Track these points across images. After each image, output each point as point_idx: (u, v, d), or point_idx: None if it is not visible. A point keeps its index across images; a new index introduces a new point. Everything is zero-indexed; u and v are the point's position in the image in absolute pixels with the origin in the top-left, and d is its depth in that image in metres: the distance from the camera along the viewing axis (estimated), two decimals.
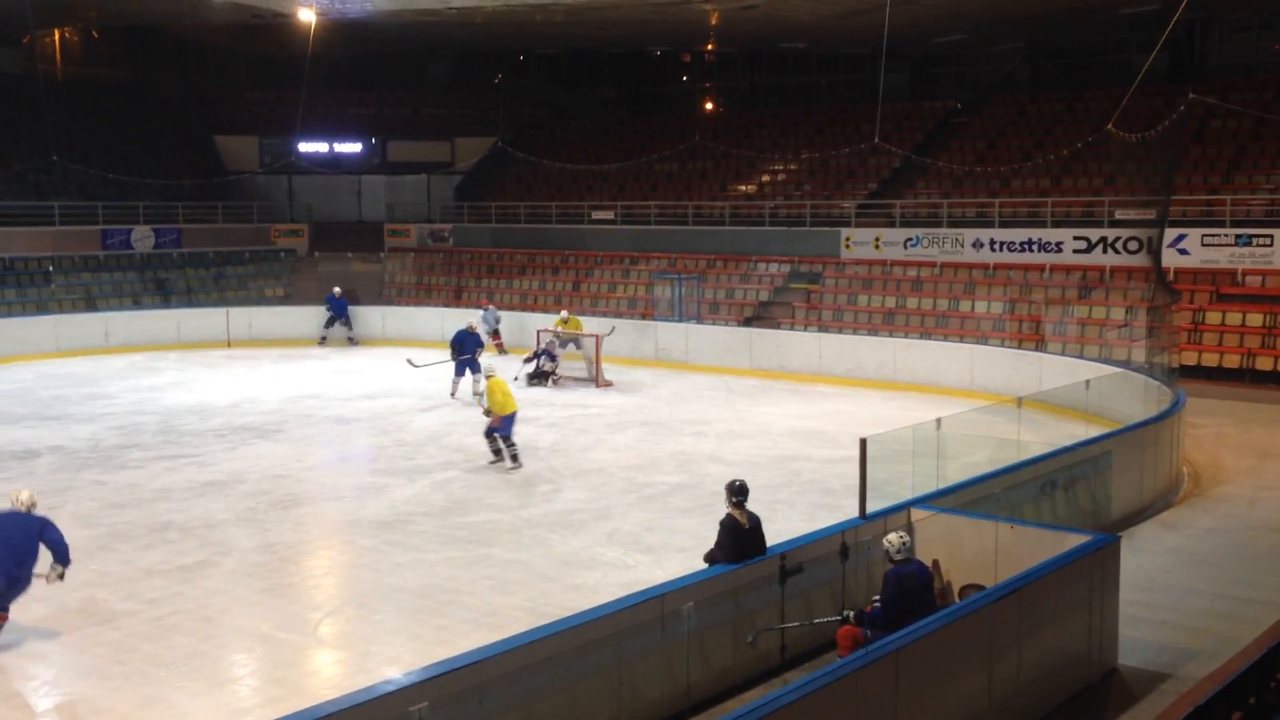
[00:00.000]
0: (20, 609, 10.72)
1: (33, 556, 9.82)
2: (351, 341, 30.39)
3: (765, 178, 34.27)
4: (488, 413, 16.47)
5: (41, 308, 30.25)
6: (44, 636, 10.19)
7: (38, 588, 10.03)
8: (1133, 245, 24.66)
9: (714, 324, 27.77)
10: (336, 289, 31.04)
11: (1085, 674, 8.79)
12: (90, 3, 33.37)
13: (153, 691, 8.99)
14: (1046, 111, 31.60)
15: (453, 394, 22.20)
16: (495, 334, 28.05)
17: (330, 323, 30.48)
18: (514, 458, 16.35)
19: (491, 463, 16.48)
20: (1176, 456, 15.23)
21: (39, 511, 10.11)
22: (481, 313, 27.95)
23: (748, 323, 27.74)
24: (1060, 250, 25.64)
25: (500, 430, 16.36)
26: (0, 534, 9.59)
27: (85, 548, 12.60)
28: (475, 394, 21.81)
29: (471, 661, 7.08)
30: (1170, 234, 24.12)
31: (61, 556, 9.94)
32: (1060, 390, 17.99)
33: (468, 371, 22.11)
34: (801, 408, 21.37)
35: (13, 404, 21.71)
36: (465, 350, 22.24)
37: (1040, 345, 23.17)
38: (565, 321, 25.04)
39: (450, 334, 23.43)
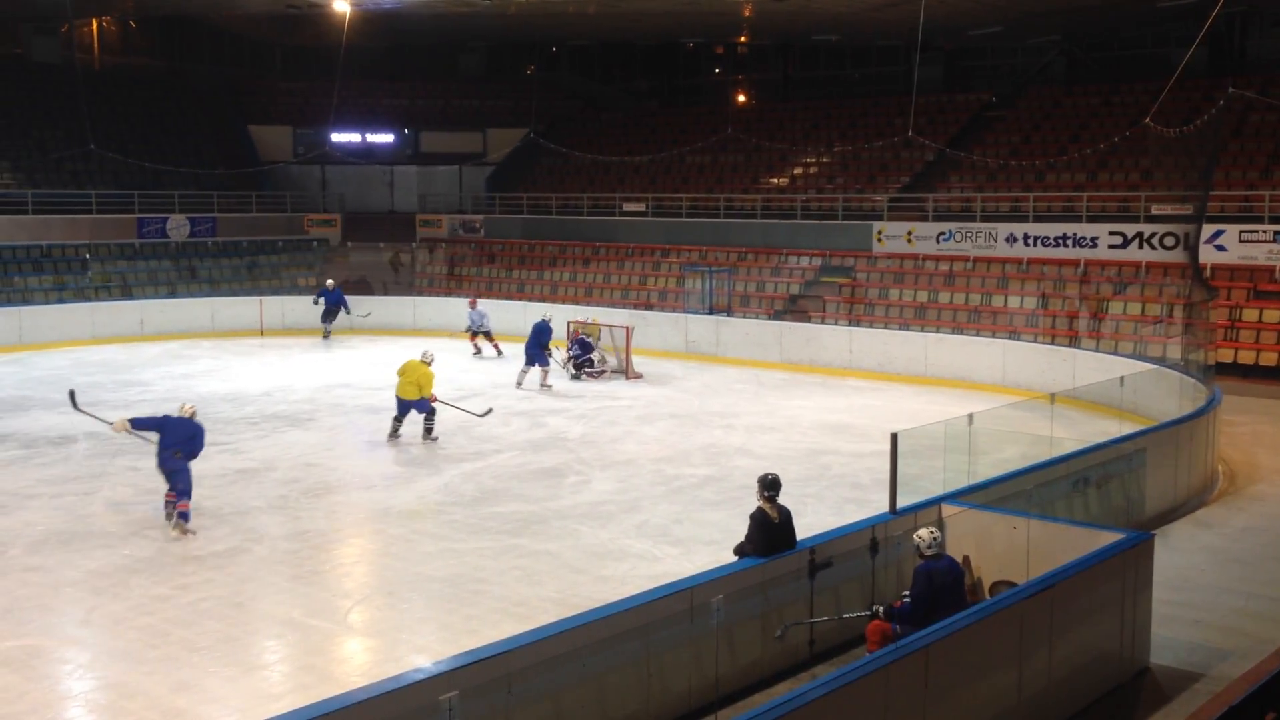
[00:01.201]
0: (53, 592, 10.88)
1: (190, 452, 13.06)
2: (326, 335, 29.65)
3: (797, 171, 34.14)
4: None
5: (78, 295, 30.58)
6: (79, 621, 10.32)
7: None
8: (1169, 241, 24.40)
9: (744, 317, 27.71)
10: (329, 281, 30.68)
11: (1117, 672, 8.72)
12: None
13: (185, 676, 9.08)
14: (1082, 105, 31.29)
15: (519, 384, 22.57)
16: (480, 334, 27.10)
17: (328, 316, 29.63)
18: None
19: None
20: (1212, 455, 15.07)
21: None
22: (469, 312, 27.57)
23: (778, 316, 27.67)
24: (1095, 246, 25.40)
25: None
26: (173, 433, 12.98)
27: (119, 533, 12.77)
28: (543, 385, 22.11)
29: (501, 651, 7.10)
30: (1207, 230, 23.84)
31: (198, 452, 13.26)
32: (1094, 387, 17.83)
33: (537, 364, 22.59)
34: (831, 401, 21.29)
35: (49, 390, 21.96)
36: (538, 342, 22.67)
37: (1074, 341, 22.97)
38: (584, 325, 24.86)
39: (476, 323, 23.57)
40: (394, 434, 17.70)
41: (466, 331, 27.34)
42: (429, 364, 17.68)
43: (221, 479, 15.17)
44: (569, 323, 25.06)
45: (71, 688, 9.11)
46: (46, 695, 8.88)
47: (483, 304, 28.37)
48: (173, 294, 31.85)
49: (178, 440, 12.99)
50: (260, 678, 9.24)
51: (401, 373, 17.52)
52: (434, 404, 17.47)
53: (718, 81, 45.51)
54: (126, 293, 31.43)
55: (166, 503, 13.00)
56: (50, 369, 24.60)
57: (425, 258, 36.72)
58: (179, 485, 12.86)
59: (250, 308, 30.85)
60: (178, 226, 34.26)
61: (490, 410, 19.11)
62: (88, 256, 32.04)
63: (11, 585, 11.06)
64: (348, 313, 29.73)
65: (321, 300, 29.60)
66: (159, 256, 33.44)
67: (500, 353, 26.54)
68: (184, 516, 12.74)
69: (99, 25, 41.38)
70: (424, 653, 9.36)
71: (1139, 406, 17.18)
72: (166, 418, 13.27)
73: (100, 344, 28.01)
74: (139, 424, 13.16)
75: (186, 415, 13.35)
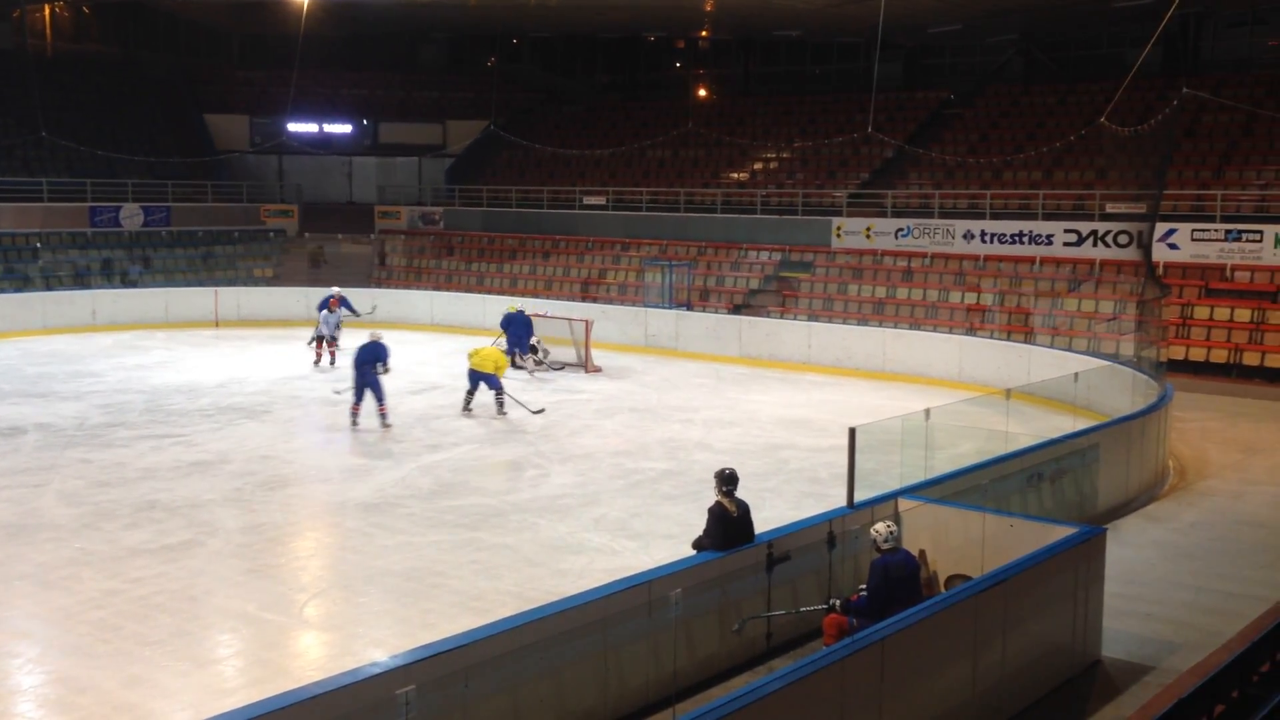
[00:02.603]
0: (4, 585, 10.71)
1: (374, 367, 17.57)
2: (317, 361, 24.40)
3: (757, 166, 34.23)
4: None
5: (29, 284, 30.10)
6: (28, 614, 10.16)
7: None
8: (1123, 239, 24.72)
9: (704, 311, 27.75)
10: (335, 290, 25.59)
11: (1069, 665, 8.83)
12: None
13: (137, 671, 8.97)
14: (1039, 104, 31.61)
15: (531, 372, 23.24)
16: (324, 339, 23.88)
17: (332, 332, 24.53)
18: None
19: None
20: (1163, 450, 15.29)
21: None
22: (323, 313, 24.17)
23: (737, 310, 27.74)
24: (1051, 243, 25.68)
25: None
26: (365, 354, 17.65)
27: (70, 526, 12.59)
28: (530, 371, 23.01)
29: (458, 645, 7.06)
30: (1161, 228, 24.17)
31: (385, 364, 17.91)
32: (1049, 382, 18.03)
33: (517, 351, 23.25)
34: (790, 396, 21.38)
35: None
36: (513, 332, 23.24)
37: (1029, 337, 23.21)
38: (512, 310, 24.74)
39: (439, 316, 23.35)
40: (467, 405, 19.27)
41: (321, 341, 23.99)
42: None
43: (175, 471, 15.00)
44: (530, 316, 24.96)
45: (21, 682, 8.97)
46: None
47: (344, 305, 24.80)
48: (125, 284, 31.41)
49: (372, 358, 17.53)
50: (214, 672, 9.14)
51: (476, 351, 19.41)
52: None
53: (679, 76, 45.52)
54: (79, 282, 30.97)
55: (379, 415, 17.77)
56: (0, 359, 24.19)
57: (388, 249, 36.47)
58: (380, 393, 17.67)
59: (205, 298, 30.52)
60: (131, 216, 33.80)
61: (543, 410, 19.20)
62: (39, 245, 31.53)
63: None
64: (355, 314, 25.22)
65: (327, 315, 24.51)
66: (112, 245, 32.97)
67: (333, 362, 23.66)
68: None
69: (52, 10, 40.66)
70: (380, 647, 9.31)
71: (1093, 402, 17.39)
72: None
73: (51, 334, 27.60)
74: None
75: (372, 340, 17.95)
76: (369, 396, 18.04)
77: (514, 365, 23.07)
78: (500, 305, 26.78)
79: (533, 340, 23.78)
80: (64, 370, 22.88)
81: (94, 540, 12.10)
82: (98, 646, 9.41)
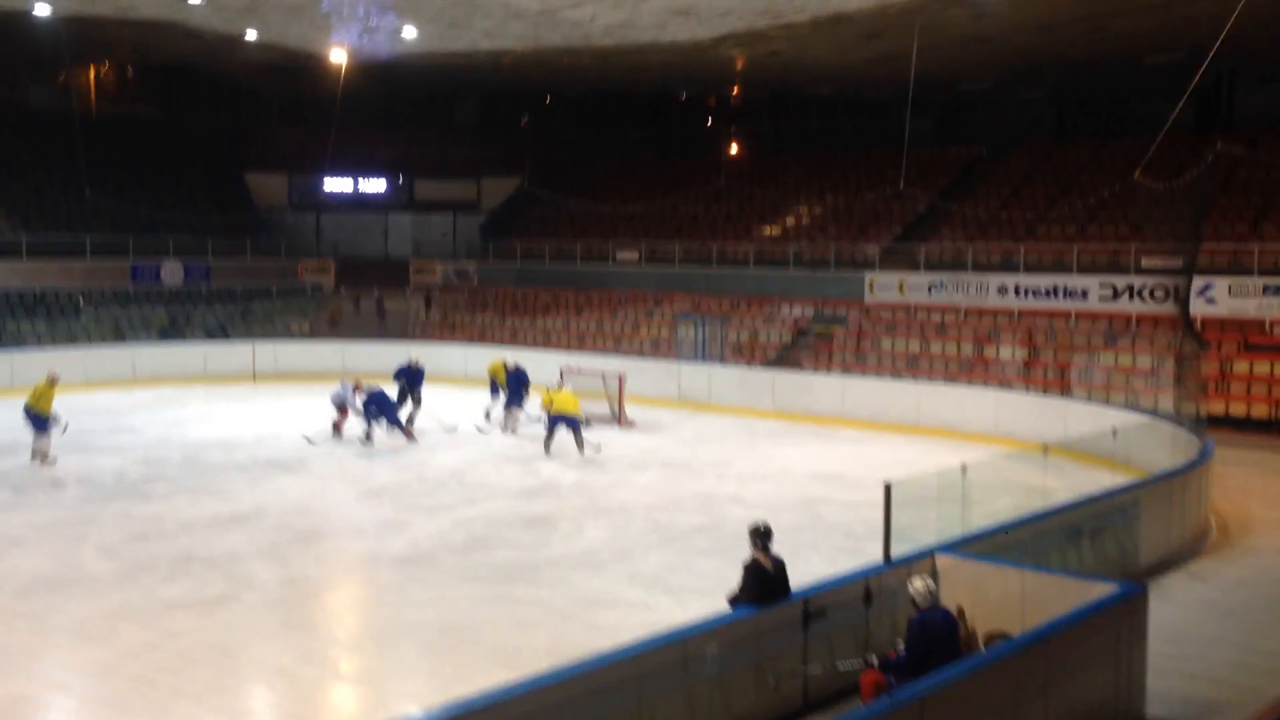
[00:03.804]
0: (41, 638, 10.77)
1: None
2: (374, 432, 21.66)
3: (790, 220, 34.37)
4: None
5: (71, 339, 30.56)
6: (66, 666, 10.22)
7: None
8: (1159, 294, 24.57)
9: (737, 365, 27.76)
10: (414, 355, 23.90)
11: None
12: (126, 40, 33.93)
13: None
14: (1072, 159, 31.63)
15: (509, 428, 22.69)
16: (343, 408, 21.76)
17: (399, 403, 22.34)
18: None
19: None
20: (1205, 507, 15.07)
21: None
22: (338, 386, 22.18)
23: (771, 364, 27.71)
24: (1086, 297, 25.57)
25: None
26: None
27: (108, 579, 12.67)
28: (511, 430, 22.46)
29: (492, 701, 7.04)
30: (1198, 283, 24.03)
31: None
32: (1087, 438, 17.86)
33: (515, 406, 22.78)
34: (824, 450, 21.28)
35: None
36: (512, 389, 22.74)
37: (1065, 392, 23.04)
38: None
39: (473, 370, 23.30)
40: (548, 448, 20.45)
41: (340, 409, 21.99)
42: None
43: (212, 525, 15.09)
44: (561, 369, 25.07)
45: None
46: None
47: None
48: (165, 339, 31.83)
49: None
50: None
51: (555, 396, 20.60)
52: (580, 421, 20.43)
53: (711, 132, 45.94)
54: (119, 337, 31.41)
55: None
56: None
57: (420, 304, 36.81)
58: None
59: (243, 353, 30.84)
60: (172, 273, 34.33)
61: (600, 448, 20.56)
62: (81, 302, 32.05)
63: None
64: (415, 403, 22.84)
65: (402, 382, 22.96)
66: (153, 302, 33.46)
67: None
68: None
69: (96, 73, 41.70)
70: (414, 701, 9.28)
71: (1131, 458, 17.20)
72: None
73: (92, 389, 27.92)
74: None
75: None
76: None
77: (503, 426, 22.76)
78: (544, 361, 26.08)
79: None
80: (104, 424, 23.15)
81: (132, 593, 12.17)
82: (134, 699, 9.43)
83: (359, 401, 21.33)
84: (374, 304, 36.44)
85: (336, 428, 21.80)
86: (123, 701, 9.41)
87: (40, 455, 19.09)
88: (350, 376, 22.80)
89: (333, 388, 22.32)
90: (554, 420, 20.55)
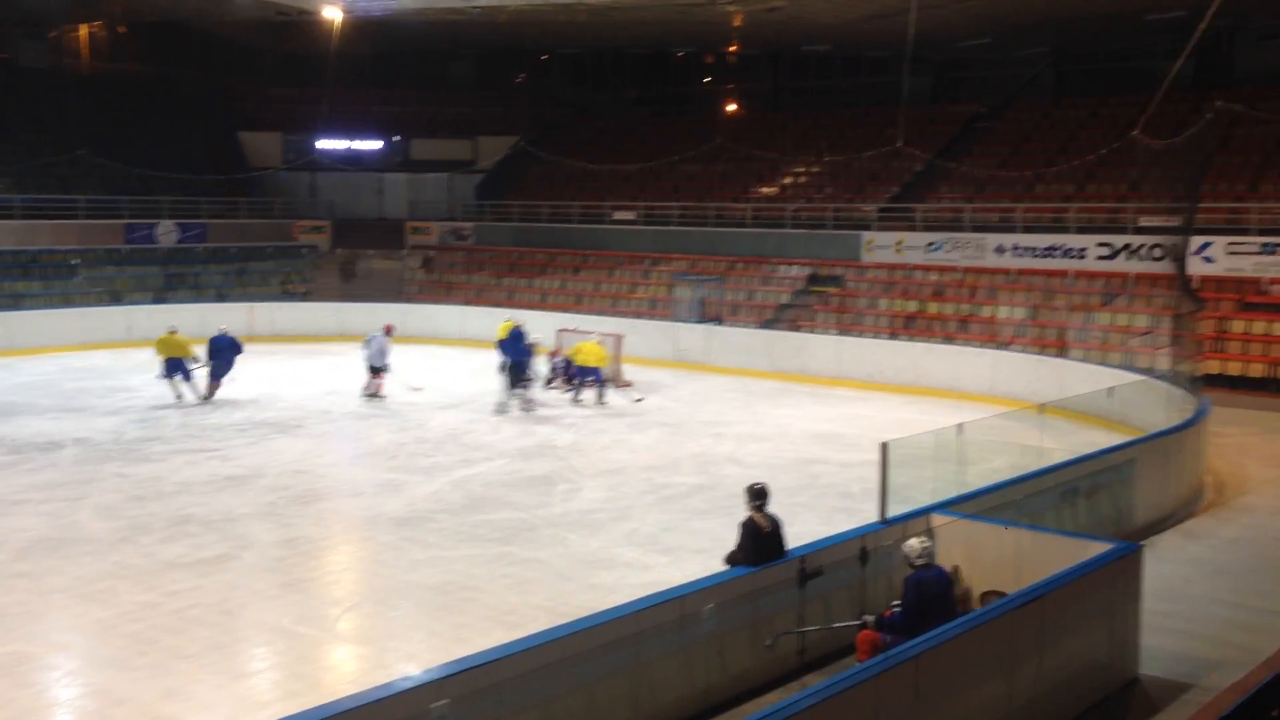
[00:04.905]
0: (40, 599, 10.82)
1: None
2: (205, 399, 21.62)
3: (787, 180, 34.22)
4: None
5: (65, 300, 30.47)
6: (66, 627, 10.27)
7: None
8: (1157, 252, 24.51)
9: (734, 326, 27.74)
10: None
11: (1106, 683, 8.73)
12: None
13: (173, 683, 9.04)
14: (1071, 117, 31.45)
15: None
16: (377, 371, 21.86)
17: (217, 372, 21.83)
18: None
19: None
20: (1200, 466, 15.13)
21: None
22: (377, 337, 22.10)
23: (768, 325, 27.69)
24: (1084, 256, 25.51)
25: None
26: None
27: (107, 539, 12.72)
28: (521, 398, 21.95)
29: (490, 660, 7.07)
30: (1195, 242, 23.95)
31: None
32: (1083, 397, 17.89)
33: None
34: (821, 411, 21.32)
35: (37, 395, 21.87)
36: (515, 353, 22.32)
37: (1062, 352, 23.05)
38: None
39: (470, 331, 23.22)
40: (577, 397, 21.56)
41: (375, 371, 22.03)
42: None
43: (210, 485, 15.12)
44: (558, 331, 25.04)
45: (59, 694, 9.07)
46: (34, 702, 8.84)
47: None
48: (160, 300, 31.74)
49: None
50: (249, 685, 9.20)
51: (580, 348, 21.66)
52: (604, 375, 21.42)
53: (708, 90, 45.61)
54: (114, 298, 31.33)
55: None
56: (38, 374, 24.50)
57: (414, 265, 36.70)
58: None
59: (239, 314, 30.73)
60: (166, 233, 34.17)
61: (643, 399, 21.64)
62: (75, 262, 31.93)
63: None
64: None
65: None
66: (147, 263, 33.33)
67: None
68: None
69: (88, 30, 41.25)
70: (413, 661, 9.34)
71: (1127, 417, 17.24)
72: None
73: (88, 349, 27.90)
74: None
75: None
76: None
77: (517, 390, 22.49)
78: (541, 322, 25.54)
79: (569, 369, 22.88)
80: (100, 385, 23.13)
81: (131, 554, 12.22)
82: (135, 659, 9.49)
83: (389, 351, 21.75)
84: (350, 266, 36.14)
85: (376, 390, 21.78)
86: (123, 661, 9.47)
87: (199, 396, 21.27)
88: (379, 328, 22.58)
89: (366, 346, 21.98)
90: (579, 372, 21.26)
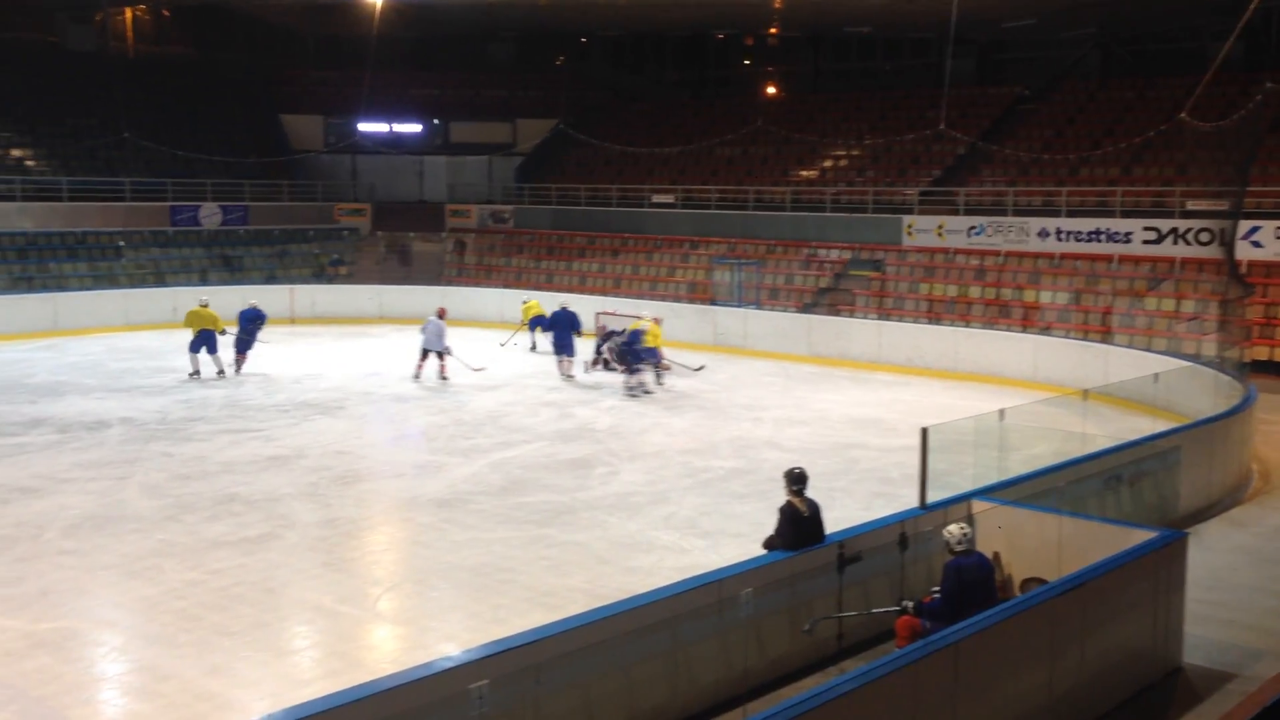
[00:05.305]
0: (88, 576, 11.00)
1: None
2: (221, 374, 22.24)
3: (827, 163, 33.99)
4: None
5: (111, 282, 30.86)
6: (113, 604, 10.44)
7: None
8: (1204, 237, 24.14)
9: (773, 310, 27.64)
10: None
11: (1149, 671, 8.65)
12: None
13: (217, 660, 9.16)
14: (1117, 99, 30.99)
15: (561, 374, 22.76)
16: (439, 354, 21.96)
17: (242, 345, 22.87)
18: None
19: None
20: (1246, 453, 14.92)
21: None
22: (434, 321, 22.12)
23: (807, 309, 27.57)
24: (1129, 241, 25.17)
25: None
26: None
27: (153, 518, 12.90)
28: (567, 375, 22.13)
29: (529, 641, 7.11)
30: (1244, 226, 23.55)
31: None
32: (1127, 383, 17.68)
33: (566, 354, 22.84)
34: (860, 395, 21.22)
35: (84, 375, 22.20)
36: (561, 330, 22.75)
37: (1107, 337, 22.78)
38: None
39: (509, 314, 23.29)
40: (642, 380, 21.34)
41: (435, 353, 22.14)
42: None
43: (253, 465, 15.29)
44: (597, 314, 25.08)
45: (106, 670, 9.23)
46: (81, 677, 8.99)
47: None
48: (205, 281, 32.08)
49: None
50: (291, 663, 9.32)
51: (649, 330, 21.41)
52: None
53: (748, 73, 45.36)
54: (159, 280, 31.69)
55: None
56: (85, 354, 24.87)
57: (450, 249, 36.85)
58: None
59: (281, 296, 31.03)
60: (210, 215, 34.50)
61: (703, 367, 22.64)
62: (121, 244, 32.32)
63: (47, 568, 11.19)
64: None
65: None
66: (191, 244, 33.69)
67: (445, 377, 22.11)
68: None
69: (133, 14, 41.67)
70: (452, 641, 9.41)
71: (1173, 404, 17.02)
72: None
73: (134, 330, 28.27)
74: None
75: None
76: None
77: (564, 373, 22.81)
78: (580, 305, 25.42)
79: (608, 344, 23.43)
80: (146, 365, 23.43)
81: (176, 532, 12.39)
82: (180, 636, 9.63)
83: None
84: (400, 249, 36.40)
85: (441, 372, 21.92)
86: (168, 637, 9.61)
87: (219, 370, 22.02)
88: (434, 312, 22.63)
89: (424, 331, 22.03)
90: (639, 354, 21.15)
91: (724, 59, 46.11)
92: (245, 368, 22.67)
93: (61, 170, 32.92)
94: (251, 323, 23.19)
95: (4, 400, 19.41)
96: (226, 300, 29.32)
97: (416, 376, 21.94)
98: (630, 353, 21.29)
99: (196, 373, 21.93)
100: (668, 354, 23.30)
